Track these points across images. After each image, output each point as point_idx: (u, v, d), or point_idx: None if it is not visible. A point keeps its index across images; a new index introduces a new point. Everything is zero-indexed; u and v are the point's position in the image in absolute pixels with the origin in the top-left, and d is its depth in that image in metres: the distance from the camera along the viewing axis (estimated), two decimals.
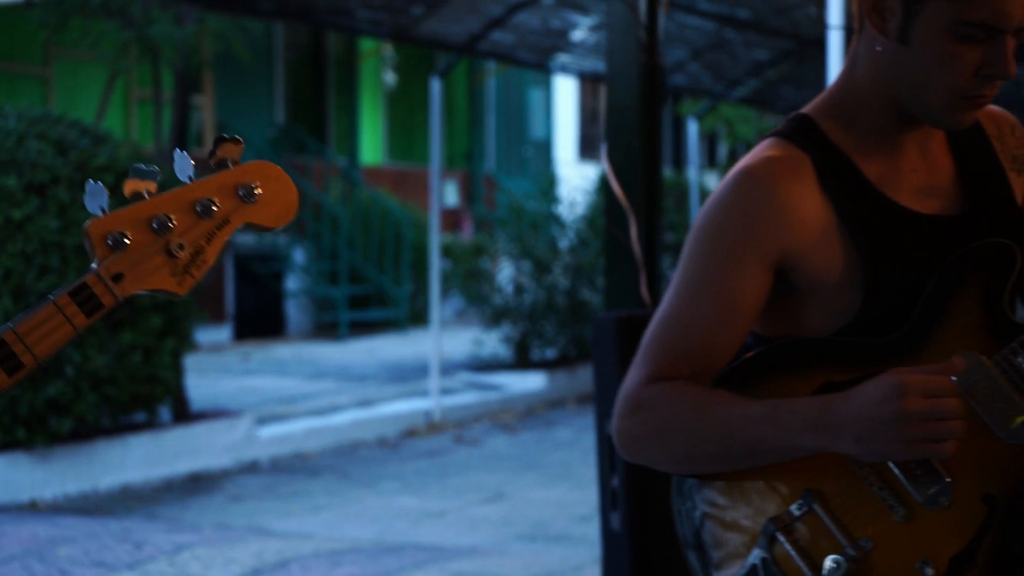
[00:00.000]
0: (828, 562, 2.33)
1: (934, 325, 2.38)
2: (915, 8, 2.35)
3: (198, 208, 1.98)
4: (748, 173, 2.44)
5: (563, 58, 14.63)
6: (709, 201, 2.49)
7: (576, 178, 21.37)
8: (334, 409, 13.32)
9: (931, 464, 2.33)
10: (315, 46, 22.52)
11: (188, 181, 1.99)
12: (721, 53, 15.09)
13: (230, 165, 2.01)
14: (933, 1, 2.33)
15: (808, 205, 2.42)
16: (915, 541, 2.34)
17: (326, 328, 20.03)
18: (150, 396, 10.50)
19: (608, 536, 4.54)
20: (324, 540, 8.61)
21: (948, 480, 2.33)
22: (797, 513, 2.36)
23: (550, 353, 16.36)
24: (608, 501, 4.52)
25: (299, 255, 20.02)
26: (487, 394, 14.64)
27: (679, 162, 26.43)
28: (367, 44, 22.78)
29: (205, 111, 20.56)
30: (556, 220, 16.88)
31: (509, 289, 16.70)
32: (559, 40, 13.80)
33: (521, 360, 16.11)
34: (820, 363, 2.40)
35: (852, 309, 2.41)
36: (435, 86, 13.20)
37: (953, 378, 2.23)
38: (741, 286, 2.41)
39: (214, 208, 1.99)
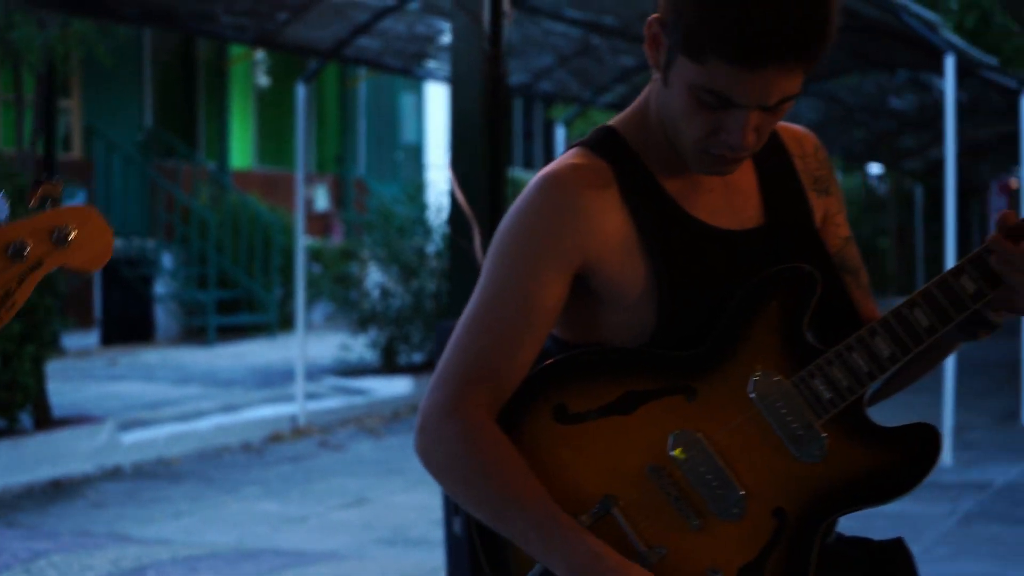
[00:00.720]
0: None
1: (735, 343, 2.46)
2: (671, 57, 2.39)
3: (10, 251, 1.98)
4: (552, 179, 2.49)
5: (431, 64, 14.69)
6: (513, 206, 2.53)
7: (446, 183, 21.43)
8: (199, 414, 13.29)
9: (727, 476, 2.42)
10: (185, 50, 22.41)
11: (1, 223, 2.01)
12: (588, 59, 15.22)
13: (48, 206, 2.03)
14: (678, 56, 2.37)
15: (608, 215, 2.48)
16: (707, 550, 2.42)
17: (195, 333, 19.95)
18: (10, 402, 10.44)
19: (451, 540, 4.63)
20: (183, 546, 8.62)
21: (742, 492, 2.42)
22: (595, 515, 2.42)
23: (417, 357, 16.44)
24: (451, 506, 4.61)
25: (168, 260, 19.93)
26: (353, 399, 14.68)
27: None
28: (237, 48, 22.71)
29: (72, 115, 20.38)
30: (424, 225, 16.94)
31: (377, 294, 16.74)
32: (426, 46, 13.86)
33: (388, 365, 16.17)
34: (622, 372, 2.46)
35: (651, 320, 2.47)
36: (300, 92, 13.21)
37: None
38: (543, 291, 2.46)
39: (26, 251, 1.99)
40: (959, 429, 12.94)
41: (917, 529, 9.44)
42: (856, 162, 27.76)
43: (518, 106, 29.69)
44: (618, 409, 2.44)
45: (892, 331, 2.44)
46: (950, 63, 11.84)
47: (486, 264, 2.54)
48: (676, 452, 2.41)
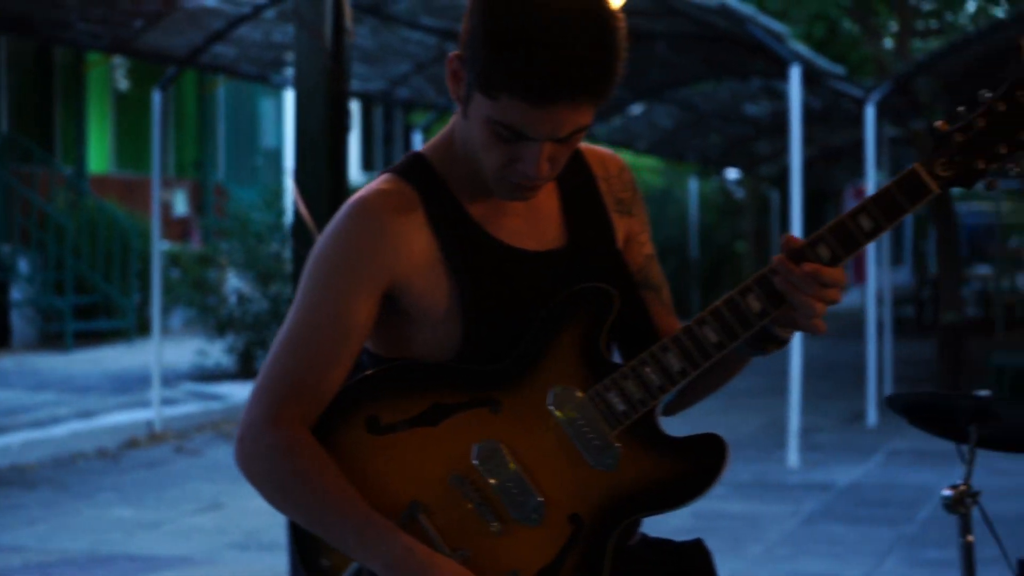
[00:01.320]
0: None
1: (537, 359, 2.62)
2: (470, 92, 2.54)
3: None
4: (361, 205, 2.64)
5: (289, 71, 14.75)
6: (326, 229, 2.67)
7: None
8: (54, 421, 13.27)
9: (526, 484, 2.58)
10: (42, 54, 22.24)
11: None
12: (444, 66, 15.36)
13: None
14: (477, 93, 2.52)
15: (415, 237, 2.63)
16: (508, 553, 2.58)
17: (52, 338, 19.81)
18: None
19: (295, 566, 4.75)
20: (36, 553, 8.64)
21: (540, 499, 2.58)
22: (403, 521, 2.57)
23: None
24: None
25: (24, 265, 19.78)
26: (210, 404, 14.71)
27: None
28: (95, 53, 22.59)
29: None
30: (281, 230, 17.00)
31: (235, 299, 16.78)
32: (283, 53, 13.93)
33: (245, 370, 16.21)
34: (430, 386, 2.62)
35: (457, 336, 2.63)
36: (156, 98, 13.23)
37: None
38: (353, 310, 2.60)
39: None
40: (806, 431, 13.25)
41: (760, 529, 9.70)
42: (713, 167, 28.16)
43: (379, 111, 29.78)
44: (426, 421, 2.60)
45: (683, 347, 2.60)
46: (795, 73, 12.14)
47: (301, 285, 2.68)
48: (479, 461, 2.57)
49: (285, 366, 2.61)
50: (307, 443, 2.57)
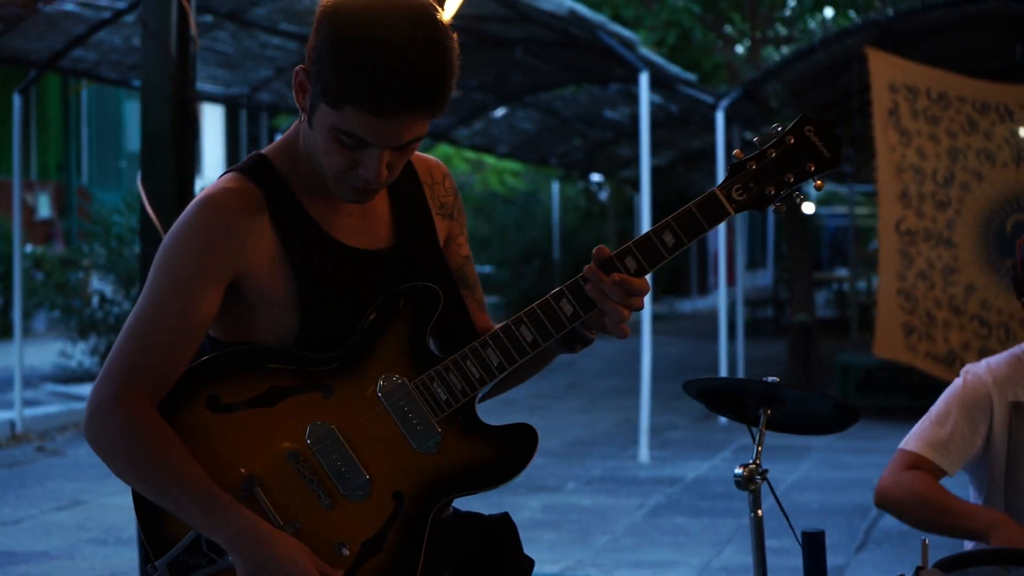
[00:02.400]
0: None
1: (368, 349, 2.88)
2: (315, 103, 2.80)
3: None
4: (208, 201, 2.88)
5: None
6: (175, 224, 2.91)
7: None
8: None
9: (354, 463, 2.84)
10: None
11: None
12: None
13: None
14: (322, 103, 2.78)
15: (258, 233, 2.88)
16: (336, 526, 2.84)
17: None
18: None
19: (144, 555, 4.96)
20: None
21: (367, 477, 2.84)
22: (241, 494, 2.82)
23: None
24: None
25: None
26: (72, 404, 14.79)
27: None
28: None
29: None
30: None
31: (97, 301, 16.84)
32: None
33: None
34: (268, 369, 2.88)
35: (294, 325, 2.88)
36: (16, 102, 13.30)
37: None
38: (198, 300, 2.85)
39: None
40: (660, 429, 13.62)
41: (608, 521, 10.02)
42: (576, 170, 28.49)
43: (243, 114, 29.86)
44: (263, 402, 2.86)
45: (501, 344, 2.88)
46: (644, 79, 12.50)
47: (150, 274, 2.92)
48: (311, 441, 2.83)
49: (132, 349, 2.86)
50: (153, 421, 2.82)
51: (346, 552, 2.82)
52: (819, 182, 2.98)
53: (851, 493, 10.76)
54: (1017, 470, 4.32)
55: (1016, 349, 4.47)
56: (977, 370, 4.42)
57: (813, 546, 3.77)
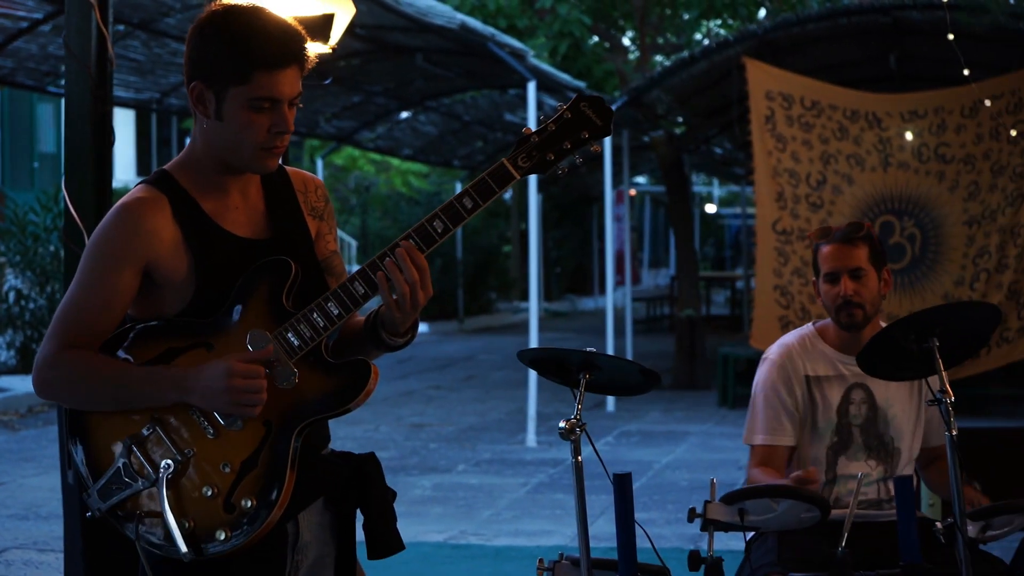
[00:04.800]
0: (163, 464, 3.61)
1: (239, 311, 3.68)
2: (222, 95, 3.62)
3: None
4: (125, 206, 3.70)
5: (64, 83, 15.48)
6: (100, 225, 3.71)
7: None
8: None
9: None
10: None
11: None
12: None
13: None
14: (232, 87, 3.60)
15: (165, 229, 3.68)
16: (220, 450, 3.62)
17: None
18: None
19: (66, 490, 5.74)
20: None
21: None
22: (146, 433, 3.62)
23: None
24: (65, 462, 5.71)
25: None
26: None
27: None
28: None
29: None
30: (58, 232, 17.67)
31: (13, 298, 17.44)
32: (59, 64, 14.66)
33: (24, 364, 16.89)
34: (165, 335, 3.68)
35: (189, 297, 3.68)
36: None
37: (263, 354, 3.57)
38: (118, 284, 3.65)
39: None
40: (549, 417, 14.46)
41: (493, 497, 10.86)
42: (477, 172, 29.20)
43: (153, 118, 30.45)
44: (162, 359, 3.66)
45: (339, 298, 3.67)
46: (531, 87, 13.35)
47: (81, 263, 3.74)
48: None
49: (67, 319, 3.67)
50: (91, 352, 3.64)
51: (228, 470, 3.60)
52: (596, 147, 3.78)
53: (719, 472, 11.61)
54: (806, 431, 5.24)
55: (805, 329, 5.38)
56: (777, 354, 5.34)
57: (622, 485, 4.60)
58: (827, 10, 17.72)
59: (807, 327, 5.41)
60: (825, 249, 5.27)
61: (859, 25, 16.13)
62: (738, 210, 41.91)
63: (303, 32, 3.69)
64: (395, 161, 29.59)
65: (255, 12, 3.65)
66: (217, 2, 3.68)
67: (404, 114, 21.21)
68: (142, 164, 30.76)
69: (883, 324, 5.17)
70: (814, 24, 16.10)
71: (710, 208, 48.32)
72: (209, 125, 3.70)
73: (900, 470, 5.18)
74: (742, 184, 27.86)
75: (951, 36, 12.50)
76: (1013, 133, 14.28)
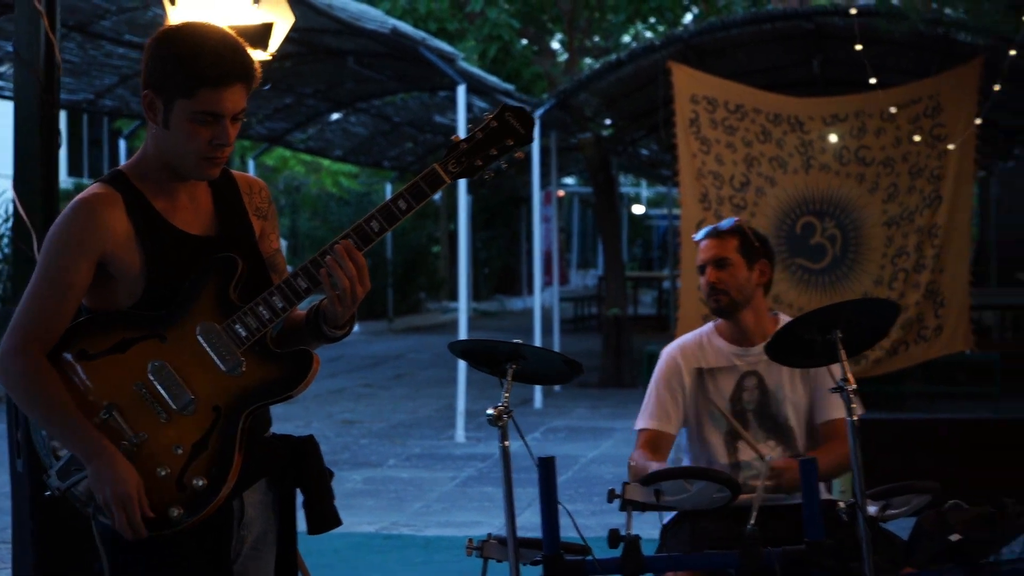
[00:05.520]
0: (122, 445, 3.86)
1: (190, 304, 3.94)
2: (170, 105, 3.89)
3: None
4: (81, 203, 3.95)
5: (0, 83, 15.65)
6: (57, 220, 3.97)
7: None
8: None
9: (183, 387, 3.89)
10: None
11: None
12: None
13: None
14: (178, 100, 3.87)
15: (118, 224, 3.94)
16: (173, 434, 3.89)
17: None
18: None
19: (15, 477, 5.98)
20: None
21: (192, 397, 3.90)
22: (103, 416, 3.88)
23: None
24: (15, 450, 5.96)
25: None
26: None
27: None
28: None
29: None
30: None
31: None
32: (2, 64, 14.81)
33: None
34: (119, 326, 3.94)
35: (141, 290, 3.95)
36: None
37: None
38: (74, 276, 3.91)
39: None
40: (477, 413, 14.73)
41: (423, 490, 11.16)
42: (409, 173, 29.44)
43: (85, 118, 30.54)
44: (117, 349, 3.92)
45: (284, 292, 3.95)
46: (461, 91, 13.65)
47: (40, 258, 4.00)
48: (151, 374, 3.90)
49: (28, 313, 3.93)
50: (44, 367, 3.89)
51: (180, 452, 3.87)
52: (519, 153, 4.08)
53: None
54: (701, 423, 5.59)
55: (705, 327, 5.75)
56: (670, 349, 5.73)
57: (546, 468, 4.91)
58: (751, 15, 18.10)
59: (708, 325, 5.79)
60: (699, 244, 5.65)
61: (783, 30, 16.50)
62: (666, 211, 42.41)
63: (251, 54, 3.96)
64: (326, 162, 29.80)
65: (207, 31, 3.93)
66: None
67: (335, 115, 21.43)
68: (73, 164, 30.82)
69: (785, 317, 5.52)
70: (739, 29, 16.44)
71: (638, 209, 48.72)
72: (158, 131, 3.97)
73: (798, 449, 5.52)
74: (669, 185, 28.20)
75: (859, 47, 12.90)
76: (917, 138, 14.69)
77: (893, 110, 14.71)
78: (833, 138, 15.02)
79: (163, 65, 3.89)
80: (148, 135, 4.05)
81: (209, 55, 3.85)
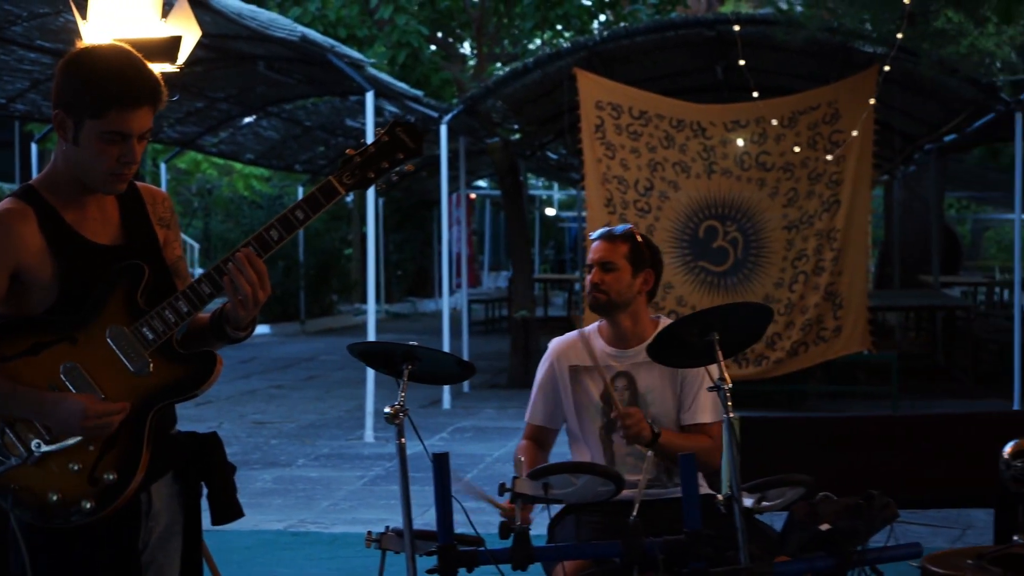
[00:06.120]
0: (34, 443, 4.10)
1: (99, 309, 4.17)
2: (80, 125, 4.12)
3: None
4: None
5: None
6: None
7: None
8: None
9: (94, 387, 4.10)
10: None
11: None
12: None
13: None
14: (88, 120, 4.10)
15: (31, 237, 4.17)
16: None
17: None
18: None
19: None
20: None
21: (103, 396, 4.12)
22: (16, 419, 4.11)
23: None
24: None
25: None
26: None
27: (28, 177, 27.60)
28: None
29: None
30: None
31: None
32: None
33: None
34: (33, 331, 4.17)
35: (54, 297, 4.18)
36: None
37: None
38: None
39: None
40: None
41: (331, 489, 11.40)
42: (321, 176, 29.57)
43: None
44: (30, 352, 4.15)
45: (188, 297, 4.20)
46: (369, 97, 13.90)
47: None
48: (64, 375, 4.13)
49: None
50: None
51: (92, 448, 4.10)
52: (410, 166, 4.36)
53: None
54: (580, 418, 5.89)
55: (589, 327, 6.06)
56: (551, 346, 6.06)
57: (440, 464, 5.18)
58: (655, 23, 18.50)
59: (592, 325, 6.08)
60: (592, 244, 5.97)
61: (686, 38, 16.87)
62: (577, 213, 42.77)
63: (158, 75, 4.18)
64: (238, 165, 29.92)
65: (116, 54, 4.16)
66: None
67: (247, 119, 21.59)
68: None
69: (667, 321, 5.83)
70: (643, 37, 16.80)
71: (550, 211, 49.06)
72: (68, 148, 4.20)
73: None
74: (579, 188, 28.54)
75: (742, 62, 13.27)
76: (829, 158, 15.09)
77: (775, 122, 15.11)
78: (736, 143, 15.38)
79: (74, 87, 4.12)
80: (58, 151, 4.27)
81: (118, 79, 4.07)
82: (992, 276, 36.83)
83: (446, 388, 16.44)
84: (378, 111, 15.93)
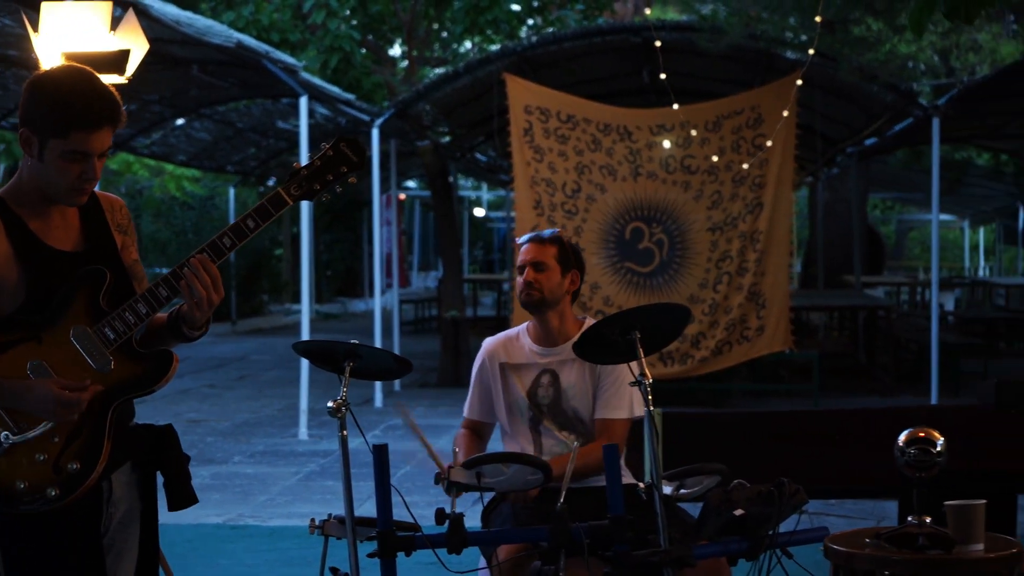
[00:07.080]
0: (3, 435, 4.37)
1: (64, 310, 4.46)
2: (44, 143, 4.41)
3: None
4: None
5: None
6: None
7: None
8: None
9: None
10: None
11: None
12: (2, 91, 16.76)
13: None
14: (52, 139, 4.39)
15: None
16: (50, 424, 4.41)
17: None
18: None
19: None
20: None
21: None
22: None
23: None
24: None
25: None
26: None
27: None
28: None
29: None
30: None
31: None
32: None
33: None
34: (1, 330, 4.43)
35: (20, 301, 4.47)
36: None
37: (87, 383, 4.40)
38: None
39: None
40: (320, 412, 15.20)
41: (267, 484, 11.69)
42: (252, 177, 29.79)
43: None
44: None
45: (147, 300, 4.50)
46: (303, 102, 14.20)
47: None
48: (31, 372, 4.42)
49: None
50: None
51: (56, 440, 4.38)
52: (352, 179, 4.69)
53: None
54: (510, 412, 6.25)
55: (520, 327, 6.42)
56: (484, 344, 6.44)
57: (379, 455, 5.51)
58: (582, 29, 18.85)
59: (522, 324, 6.44)
60: (521, 247, 6.34)
61: (612, 43, 17.24)
62: (506, 214, 43.08)
63: (118, 97, 4.46)
64: (169, 166, 30.07)
65: (79, 77, 4.44)
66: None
67: (179, 121, 21.79)
68: None
69: (592, 321, 6.18)
70: (571, 42, 17.14)
71: (479, 212, 49.35)
72: (33, 163, 4.48)
73: (592, 438, 6.18)
74: (508, 189, 28.87)
75: (663, 76, 13.64)
76: (745, 166, 15.49)
77: (694, 132, 15.50)
78: (662, 146, 15.72)
79: (39, 108, 4.40)
80: (24, 165, 4.55)
81: (80, 102, 4.35)
82: (915, 276, 37.40)
83: (378, 386, 16.76)
84: (310, 114, 16.16)
